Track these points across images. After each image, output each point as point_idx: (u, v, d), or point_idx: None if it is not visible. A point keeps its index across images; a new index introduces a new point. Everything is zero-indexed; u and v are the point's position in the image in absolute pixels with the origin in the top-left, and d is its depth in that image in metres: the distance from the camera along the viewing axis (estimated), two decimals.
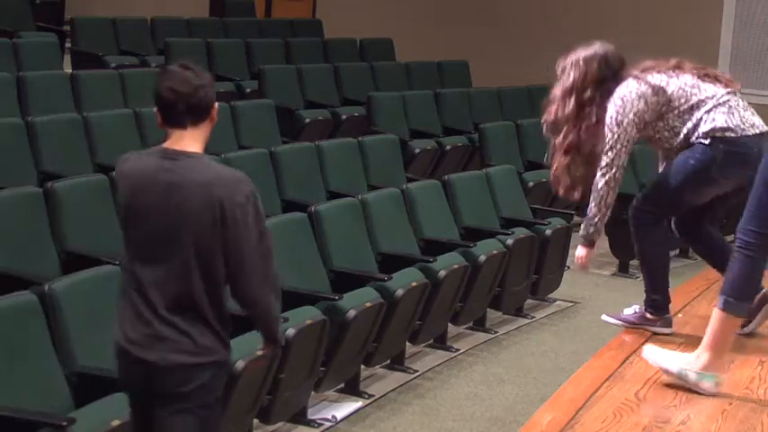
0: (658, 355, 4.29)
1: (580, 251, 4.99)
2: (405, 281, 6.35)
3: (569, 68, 4.99)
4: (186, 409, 3.66)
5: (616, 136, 4.77)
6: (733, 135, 4.72)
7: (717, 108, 4.76)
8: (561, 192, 5.12)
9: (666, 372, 4.21)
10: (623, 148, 4.76)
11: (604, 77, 4.93)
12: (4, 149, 6.98)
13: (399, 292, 6.23)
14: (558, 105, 4.98)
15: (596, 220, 4.88)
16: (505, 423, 6.13)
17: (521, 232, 7.82)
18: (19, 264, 5.53)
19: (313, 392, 5.94)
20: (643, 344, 4.76)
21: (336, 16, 14.42)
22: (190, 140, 3.69)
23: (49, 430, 4.11)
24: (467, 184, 8.05)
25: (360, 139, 8.68)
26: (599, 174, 4.82)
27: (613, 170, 4.78)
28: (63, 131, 7.50)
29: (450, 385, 6.64)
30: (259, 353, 4.03)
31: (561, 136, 4.96)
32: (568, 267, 8.61)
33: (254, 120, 9.05)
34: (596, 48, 5.03)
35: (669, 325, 4.96)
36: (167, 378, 3.66)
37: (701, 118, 4.74)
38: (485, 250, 7.24)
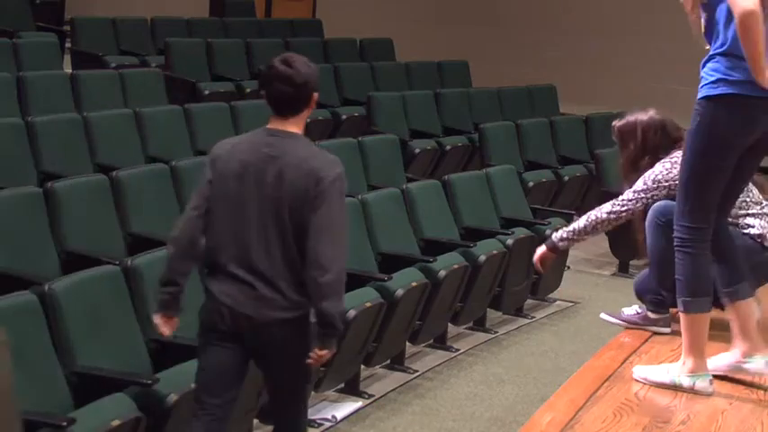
0: (648, 372, 4.31)
1: (541, 250, 5.00)
2: (405, 281, 6.35)
3: (627, 137, 5.05)
4: (288, 355, 4.19)
5: (646, 189, 4.87)
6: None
7: (761, 216, 4.91)
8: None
9: (661, 385, 4.23)
10: (644, 200, 4.82)
11: (661, 145, 5.03)
12: (4, 149, 6.98)
13: (399, 292, 6.23)
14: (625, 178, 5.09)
15: (574, 234, 4.92)
16: (505, 423, 6.13)
17: (521, 232, 7.82)
18: (19, 264, 5.53)
19: (313, 392, 5.93)
20: (643, 343, 4.76)
21: (336, 16, 14.42)
22: (291, 124, 4.22)
23: (49, 430, 4.11)
24: (467, 184, 8.05)
25: (360, 139, 8.68)
26: (610, 203, 4.86)
27: (623, 209, 4.83)
28: (63, 131, 7.49)
29: (450, 385, 6.64)
30: (313, 357, 4.20)
31: None
32: (568, 267, 8.62)
33: (254, 120, 9.02)
34: (652, 114, 5.09)
35: (668, 324, 4.97)
36: (267, 331, 4.15)
37: (740, 216, 4.87)
38: (485, 250, 7.24)
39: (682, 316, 4.19)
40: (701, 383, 4.17)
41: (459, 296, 7.10)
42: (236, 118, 8.86)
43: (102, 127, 7.74)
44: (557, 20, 14.03)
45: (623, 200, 4.85)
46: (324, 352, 4.16)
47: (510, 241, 7.58)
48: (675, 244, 4.16)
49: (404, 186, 7.57)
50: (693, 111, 4.04)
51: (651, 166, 4.96)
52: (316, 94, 4.24)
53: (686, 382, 4.18)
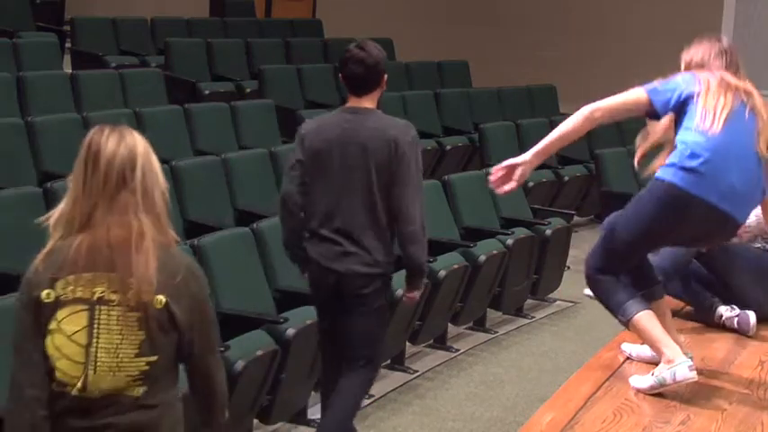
0: (641, 382, 4.20)
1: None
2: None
3: None
4: (365, 309, 4.76)
5: None
6: None
7: None
8: None
9: (651, 390, 4.14)
10: None
11: None
12: (4, 149, 6.98)
13: (399, 291, 6.22)
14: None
15: None
16: (505, 423, 6.13)
17: (521, 232, 7.82)
18: (19, 264, 5.51)
19: (313, 392, 5.93)
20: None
21: (336, 16, 14.42)
22: (366, 102, 4.83)
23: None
24: (467, 184, 8.05)
25: None
26: None
27: None
28: (63, 131, 7.48)
29: (450, 385, 6.65)
30: (402, 292, 5.19)
31: None
32: (569, 267, 8.61)
33: (254, 120, 9.05)
34: None
35: None
36: (352, 283, 4.74)
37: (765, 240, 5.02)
38: (485, 250, 7.24)
39: (631, 330, 4.21)
40: (681, 373, 4.01)
41: (459, 296, 7.10)
42: (236, 118, 8.85)
43: None
44: (557, 20, 14.03)
45: None
46: (413, 293, 4.98)
47: (510, 241, 7.58)
48: (588, 283, 4.22)
49: None
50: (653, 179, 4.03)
51: None
52: (386, 75, 4.81)
53: (668, 376, 4.05)
